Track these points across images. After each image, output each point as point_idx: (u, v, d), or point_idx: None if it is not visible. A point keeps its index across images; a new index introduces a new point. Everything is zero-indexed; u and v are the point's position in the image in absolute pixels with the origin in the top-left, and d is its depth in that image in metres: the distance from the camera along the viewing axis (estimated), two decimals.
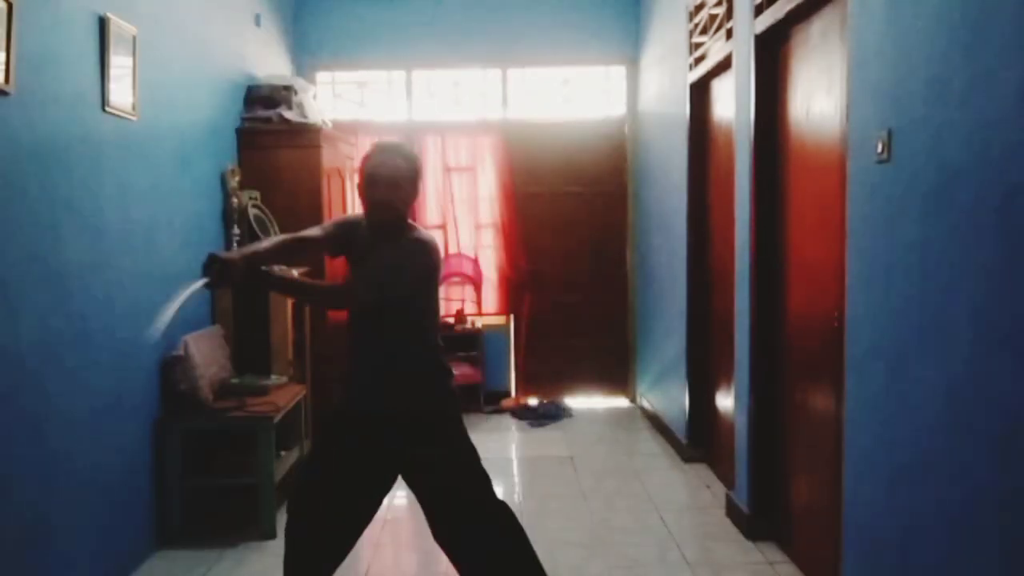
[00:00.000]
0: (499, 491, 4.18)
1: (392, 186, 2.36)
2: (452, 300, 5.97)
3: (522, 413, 5.70)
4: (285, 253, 2.46)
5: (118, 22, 3.08)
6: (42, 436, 2.61)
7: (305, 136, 4.51)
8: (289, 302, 4.10)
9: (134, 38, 3.21)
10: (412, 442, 2.42)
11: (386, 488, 2.51)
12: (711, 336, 4.37)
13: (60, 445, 2.71)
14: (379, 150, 2.42)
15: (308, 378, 4.41)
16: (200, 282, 2.12)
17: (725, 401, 4.07)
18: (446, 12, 5.84)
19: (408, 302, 2.40)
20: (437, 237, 5.97)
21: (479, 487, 2.49)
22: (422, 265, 2.40)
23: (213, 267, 2.11)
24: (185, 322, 3.68)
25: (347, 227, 2.50)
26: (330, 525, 2.44)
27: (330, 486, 2.43)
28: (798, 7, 2.88)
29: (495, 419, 5.68)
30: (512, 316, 6.03)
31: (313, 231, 2.47)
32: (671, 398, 4.93)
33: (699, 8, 4.14)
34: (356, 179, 2.44)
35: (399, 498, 4.12)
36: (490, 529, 2.48)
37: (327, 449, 2.49)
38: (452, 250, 5.98)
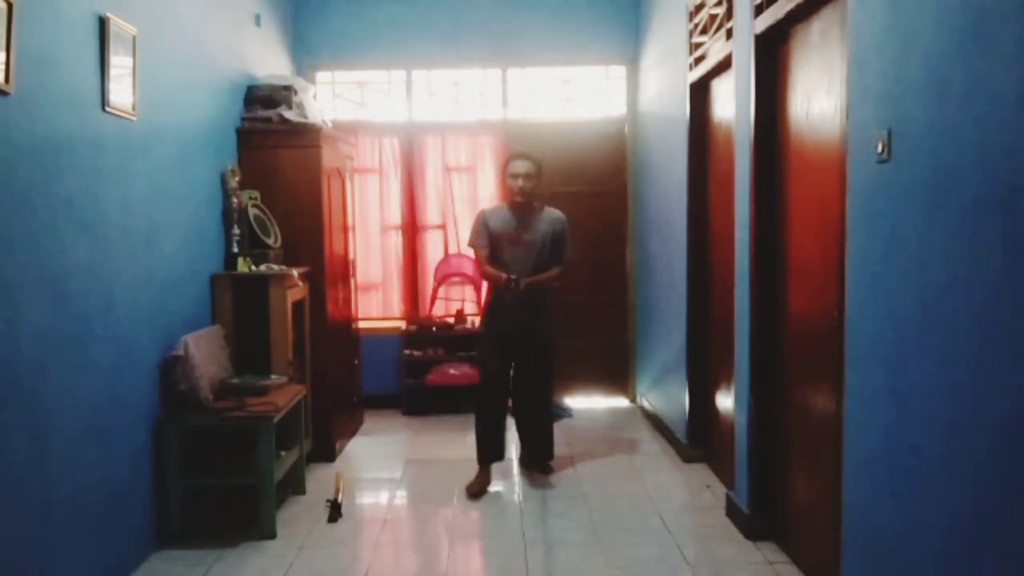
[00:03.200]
0: (499, 490, 4.19)
1: (527, 176, 4.08)
2: (452, 300, 5.97)
3: None
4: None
5: (118, 22, 3.08)
6: (42, 436, 2.61)
7: (305, 136, 4.51)
8: (289, 302, 4.10)
9: (134, 38, 3.21)
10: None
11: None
12: (711, 336, 4.37)
13: (60, 445, 2.71)
14: (514, 156, 4.19)
15: (308, 378, 4.42)
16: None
17: (725, 401, 4.07)
18: (446, 12, 5.84)
19: None
20: (437, 237, 6.04)
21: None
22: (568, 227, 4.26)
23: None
24: (185, 322, 3.68)
25: (485, 223, 4.16)
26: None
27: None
28: (798, 7, 2.88)
29: None
30: None
31: (483, 250, 4.16)
32: (671, 398, 4.93)
33: (699, 8, 4.14)
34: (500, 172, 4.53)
35: (399, 498, 4.13)
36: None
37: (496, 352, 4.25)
38: (452, 250, 5.97)
